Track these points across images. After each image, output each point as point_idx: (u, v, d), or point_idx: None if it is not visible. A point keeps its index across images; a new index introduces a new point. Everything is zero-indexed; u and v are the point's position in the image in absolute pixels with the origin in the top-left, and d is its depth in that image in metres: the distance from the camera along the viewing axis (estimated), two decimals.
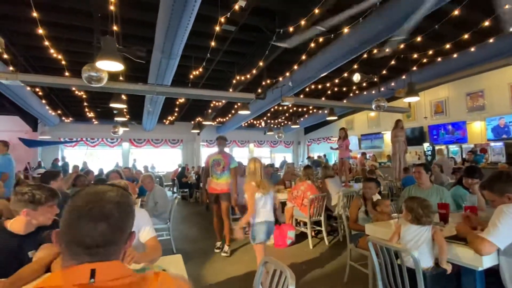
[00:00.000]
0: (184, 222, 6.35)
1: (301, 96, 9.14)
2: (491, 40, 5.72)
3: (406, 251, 1.72)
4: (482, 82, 8.83)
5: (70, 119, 12.35)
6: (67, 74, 6.39)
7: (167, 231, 4.07)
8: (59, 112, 11.38)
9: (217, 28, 4.86)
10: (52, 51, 5.63)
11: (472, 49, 6.11)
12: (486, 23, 5.06)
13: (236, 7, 4.40)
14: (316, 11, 4.56)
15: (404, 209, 1.92)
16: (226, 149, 4.61)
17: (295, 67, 6.83)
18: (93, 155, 15.48)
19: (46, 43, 5.26)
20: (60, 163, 12.21)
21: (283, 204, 4.76)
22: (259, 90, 8.16)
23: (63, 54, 5.99)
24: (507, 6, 4.05)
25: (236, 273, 3.42)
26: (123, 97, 7.47)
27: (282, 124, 14.89)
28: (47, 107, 9.85)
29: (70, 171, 9.13)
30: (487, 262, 1.60)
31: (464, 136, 9.40)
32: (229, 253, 4.03)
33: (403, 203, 2.00)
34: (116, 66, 3.98)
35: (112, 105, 7.16)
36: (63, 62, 6.08)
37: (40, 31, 4.81)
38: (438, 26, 5.03)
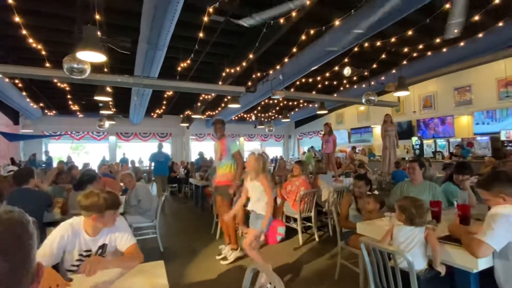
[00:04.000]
0: (172, 218, 6.23)
1: (292, 89, 9.05)
2: (480, 35, 5.73)
3: (400, 254, 1.66)
4: (470, 77, 8.92)
5: (54, 112, 11.93)
6: (48, 65, 6.09)
7: (154, 229, 3.95)
8: (41, 104, 10.96)
9: (205, 19, 4.69)
10: (31, 40, 5.33)
11: (462, 44, 6.12)
12: (476, 18, 5.05)
13: None
14: (308, 2, 4.45)
15: (397, 209, 1.87)
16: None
17: (286, 60, 6.72)
18: (79, 149, 15.10)
19: (24, 32, 4.97)
20: (40, 158, 11.80)
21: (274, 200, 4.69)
22: (249, 83, 8.02)
23: (43, 44, 5.69)
24: None
25: (225, 271, 3.34)
26: (109, 89, 7.21)
27: (273, 117, 14.81)
28: (28, 100, 9.45)
29: (55, 166, 8.83)
30: (483, 264, 1.56)
31: (451, 130, 9.54)
32: (231, 260, 3.52)
33: (395, 203, 1.94)
34: (99, 57, 3.78)
35: (97, 98, 6.90)
36: (43, 53, 5.78)
37: (17, 19, 4.53)
38: (429, 20, 4.99)
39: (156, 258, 3.70)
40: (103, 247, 1.74)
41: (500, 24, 5.32)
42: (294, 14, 4.73)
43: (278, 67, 7.20)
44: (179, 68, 6.76)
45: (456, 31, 4.30)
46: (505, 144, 7.89)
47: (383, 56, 6.80)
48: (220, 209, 3.87)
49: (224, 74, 7.38)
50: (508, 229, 1.51)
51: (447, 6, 4.79)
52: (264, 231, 2.83)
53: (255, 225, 2.85)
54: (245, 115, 14.33)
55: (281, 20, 4.93)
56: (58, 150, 13.35)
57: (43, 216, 2.86)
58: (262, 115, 14.28)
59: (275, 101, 11.27)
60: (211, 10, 4.49)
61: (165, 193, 5.08)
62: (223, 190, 3.74)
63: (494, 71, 8.28)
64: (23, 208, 2.06)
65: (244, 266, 3.34)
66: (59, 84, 8.11)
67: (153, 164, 7.80)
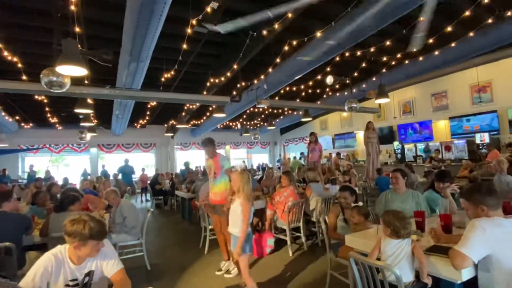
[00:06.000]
0: (159, 233, 6.07)
1: (276, 98, 9.15)
2: (453, 44, 6.03)
3: (388, 269, 1.70)
4: (446, 83, 9.34)
5: (31, 125, 11.47)
6: (24, 77, 5.87)
7: (140, 247, 3.83)
8: (17, 117, 10.52)
9: (189, 30, 4.69)
10: (6, 53, 5.14)
11: (436, 53, 6.42)
12: (449, 29, 5.31)
13: (208, 9, 4.27)
14: (290, 15, 4.55)
15: (382, 224, 1.93)
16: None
17: (270, 70, 6.80)
18: (59, 161, 14.55)
19: None
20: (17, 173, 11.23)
21: (262, 211, 4.68)
22: (234, 93, 8.04)
23: (20, 57, 5.49)
24: None
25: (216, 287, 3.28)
26: (90, 101, 7.02)
27: (258, 125, 14.88)
28: (3, 113, 9.05)
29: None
30: (466, 274, 1.62)
31: (430, 135, 9.90)
32: (236, 274, 3.47)
33: (380, 217, 2.00)
34: (79, 71, 3.66)
35: (77, 110, 6.70)
36: (20, 65, 5.57)
37: None
38: (406, 30, 5.21)
39: (143, 277, 3.63)
40: (89, 274, 1.69)
41: (471, 34, 5.61)
42: (277, 26, 4.82)
43: (262, 76, 7.27)
44: (162, 79, 6.69)
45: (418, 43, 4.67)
46: (480, 147, 8.26)
47: (364, 64, 7.02)
48: (217, 228, 3.77)
49: (208, 84, 7.36)
50: (484, 241, 1.57)
51: (422, 18, 5.04)
52: (247, 252, 2.79)
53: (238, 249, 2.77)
54: (230, 123, 14.31)
55: (264, 32, 5.01)
56: (36, 164, 12.81)
57: (21, 240, 2.72)
58: (248, 123, 14.32)
59: (260, 109, 11.32)
60: (194, 22, 4.49)
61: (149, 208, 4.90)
62: (218, 209, 3.67)
63: (467, 77, 8.71)
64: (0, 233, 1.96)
65: (237, 283, 3.29)
66: (36, 96, 7.83)
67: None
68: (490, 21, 5.17)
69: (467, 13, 4.94)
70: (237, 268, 3.31)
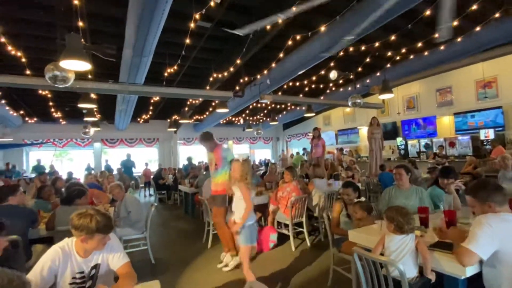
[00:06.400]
0: (163, 227, 6.13)
1: (279, 93, 9.11)
2: (458, 39, 5.95)
3: (393, 264, 1.71)
4: (450, 79, 9.24)
5: (35, 119, 11.55)
6: (28, 72, 5.90)
7: (144, 241, 3.88)
8: (21, 112, 10.58)
9: (192, 25, 4.67)
10: (10, 48, 5.15)
11: (442, 48, 6.34)
12: (455, 23, 5.23)
13: (212, 3, 4.24)
14: (294, 9, 4.50)
15: (386, 220, 1.93)
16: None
17: (273, 65, 6.76)
18: (63, 155, 14.66)
19: (3, 39, 4.82)
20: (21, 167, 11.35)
21: (265, 206, 4.70)
22: (237, 88, 8.02)
23: (23, 51, 5.51)
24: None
25: (220, 282, 3.30)
26: (93, 96, 7.04)
27: (261, 120, 14.86)
28: (7, 108, 9.11)
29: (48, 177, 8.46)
30: (470, 270, 1.62)
31: (434, 130, 9.83)
32: (233, 267, 3.53)
33: (384, 214, 2.00)
34: (83, 66, 3.67)
35: (81, 105, 6.73)
36: (24, 60, 5.59)
37: None
38: (411, 25, 5.15)
39: (148, 271, 3.67)
40: (96, 267, 1.72)
41: (477, 29, 5.53)
42: (280, 21, 4.78)
43: (265, 71, 7.24)
44: (165, 74, 6.68)
45: (447, 33, 4.56)
46: (484, 143, 8.20)
47: (368, 59, 6.96)
48: (215, 219, 3.80)
49: (211, 79, 7.35)
50: (492, 237, 1.57)
51: (428, 12, 4.97)
52: (249, 243, 2.81)
53: (240, 239, 2.82)
54: (233, 119, 14.31)
55: (268, 27, 4.97)
56: (41, 158, 12.92)
57: (27, 233, 2.76)
58: (251, 118, 14.31)
59: (263, 104, 11.29)
60: (197, 16, 4.47)
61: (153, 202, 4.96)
62: (218, 200, 3.70)
63: (472, 73, 8.61)
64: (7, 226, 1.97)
65: (240, 278, 3.32)
66: (40, 91, 7.87)
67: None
68: (497, 15, 5.09)
69: (474, 7, 4.88)
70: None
